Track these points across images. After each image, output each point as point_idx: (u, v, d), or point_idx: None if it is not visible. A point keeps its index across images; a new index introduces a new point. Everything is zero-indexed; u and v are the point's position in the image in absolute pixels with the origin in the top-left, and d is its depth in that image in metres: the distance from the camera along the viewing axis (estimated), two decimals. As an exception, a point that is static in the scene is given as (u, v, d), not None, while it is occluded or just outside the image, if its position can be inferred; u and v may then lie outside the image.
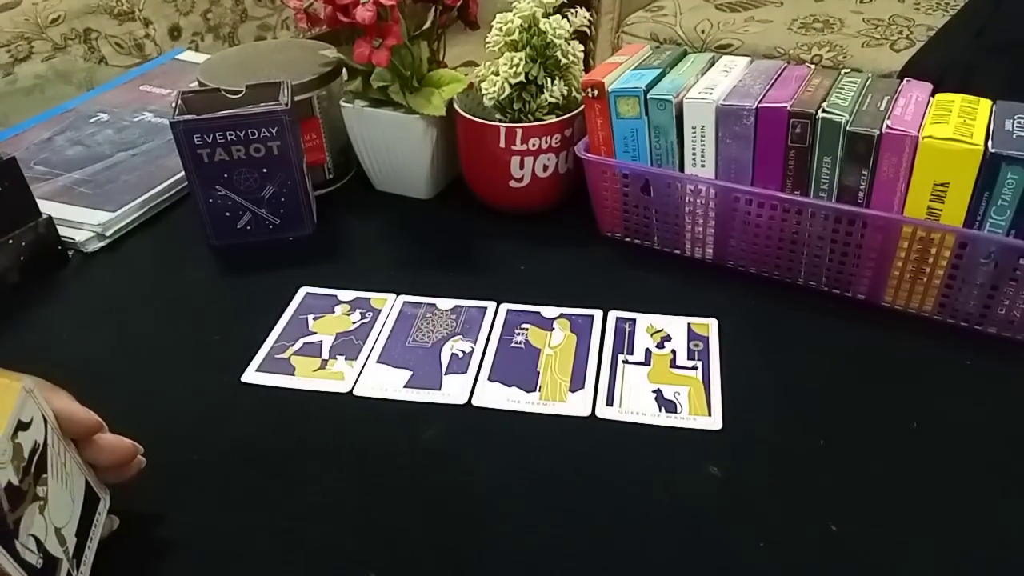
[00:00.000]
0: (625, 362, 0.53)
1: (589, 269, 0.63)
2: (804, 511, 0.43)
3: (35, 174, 0.73)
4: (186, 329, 0.58)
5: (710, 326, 0.55)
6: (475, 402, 0.50)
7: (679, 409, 0.49)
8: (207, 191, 0.64)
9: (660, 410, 0.49)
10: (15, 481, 0.33)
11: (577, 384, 0.51)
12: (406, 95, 0.65)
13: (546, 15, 0.61)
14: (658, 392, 0.50)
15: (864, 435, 0.47)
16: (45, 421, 0.36)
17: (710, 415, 0.49)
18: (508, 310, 0.58)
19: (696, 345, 0.54)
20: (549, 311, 0.58)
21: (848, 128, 0.51)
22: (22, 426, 0.34)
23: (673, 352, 0.54)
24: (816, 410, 0.49)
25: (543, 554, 0.41)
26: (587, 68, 0.63)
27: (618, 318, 0.57)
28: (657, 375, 0.52)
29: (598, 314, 0.57)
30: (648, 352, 0.54)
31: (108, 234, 0.67)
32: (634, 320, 0.56)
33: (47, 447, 0.36)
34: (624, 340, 0.55)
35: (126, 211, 0.69)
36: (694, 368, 0.52)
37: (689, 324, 0.56)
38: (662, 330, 0.55)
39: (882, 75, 0.60)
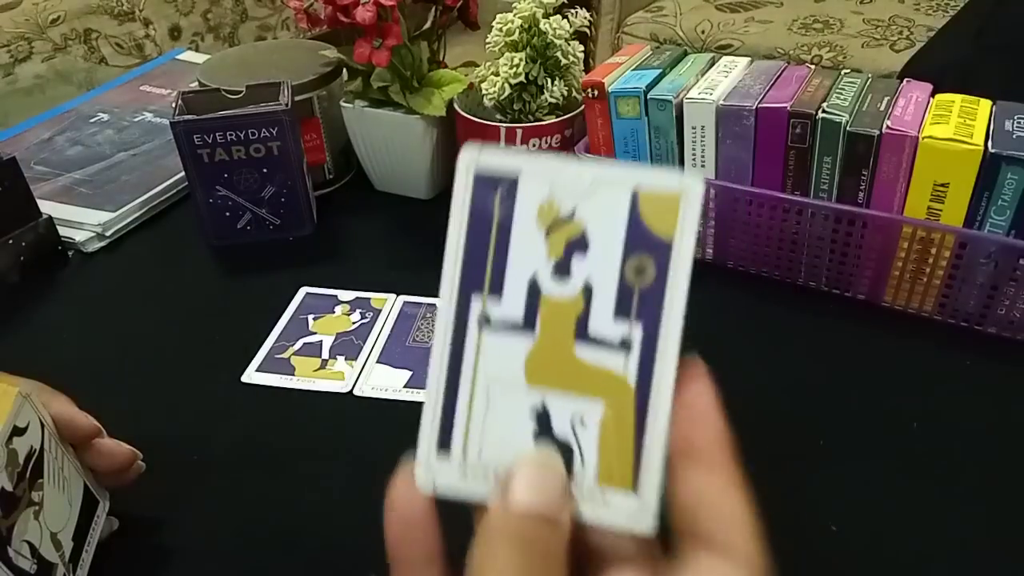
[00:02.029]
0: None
1: (589, 269, 0.63)
2: (804, 511, 0.43)
3: (35, 174, 0.73)
4: (186, 329, 0.58)
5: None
6: (475, 402, 0.50)
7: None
8: (207, 191, 0.64)
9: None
10: (8, 487, 0.33)
11: (577, 384, 0.51)
12: (406, 95, 0.65)
13: (546, 15, 0.61)
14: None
15: (864, 435, 0.47)
16: (42, 426, 0.36)
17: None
18: (508, 310, 0.58)
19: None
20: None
21: (848, 128, 0.51)
22: (17, 432, 0.34)
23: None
24: (816, 410, 0.49)
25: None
26: (587, 68, 0.63)
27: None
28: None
29: (598, 314, 0.57)
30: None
31: (108, 234, 0.67)
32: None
33: (44, 452, 0.36)
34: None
35: (126, 211, 0.69)
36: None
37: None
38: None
39: (882, 75, 0.60)
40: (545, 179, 0.23)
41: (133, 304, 0.62)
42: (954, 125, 0.49)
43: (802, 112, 0.52)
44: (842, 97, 0.53)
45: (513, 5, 0.62)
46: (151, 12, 1.82)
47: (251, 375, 0.53)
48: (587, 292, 0.23)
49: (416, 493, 0.24)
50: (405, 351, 0.55)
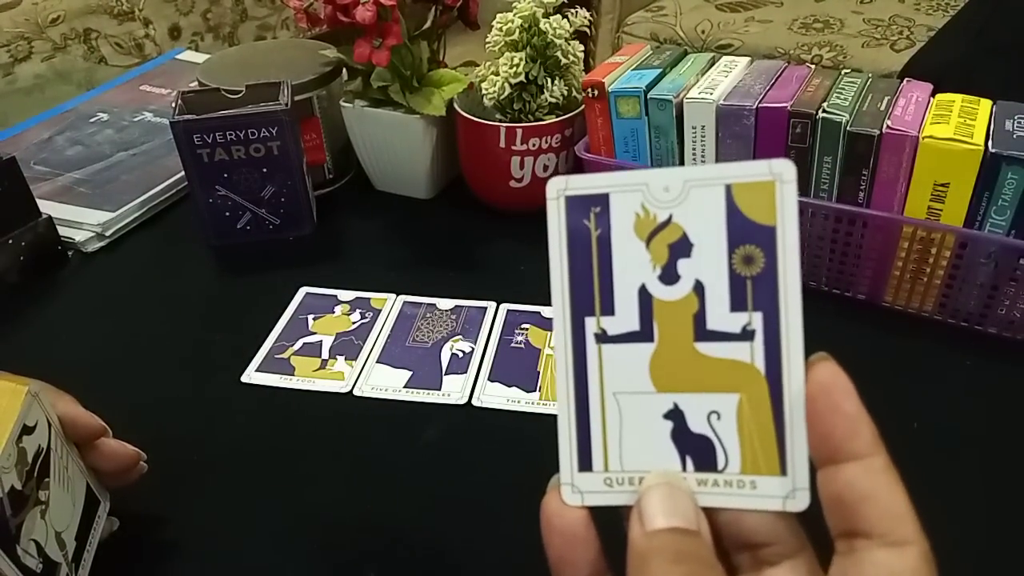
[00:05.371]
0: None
1: (589, 269, 0.63)
2: (804, 511, 0.43)
3: (35, 174, 0.73)
4: (186, 329, 0.58)
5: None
6: (475, 402, 0.50)
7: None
8: (207, 191, 0.64)
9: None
10: (18, 486, 0.33)
11: (577, 384, 0.51)
12: (406, 95, 0.65)
13: (546, 15, 0.61)
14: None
15: (864, 435, 0.47)
16: (49, 425, 0.36)
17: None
18: (508, 310, 0.58)
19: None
20: (549, 311, 0.58)
21: (848, 128, 0.51)
22: (27, 430, 0.34)
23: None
24: (816, 410, 0.49)
25: (543, 554, 0.41)
26: (587, 68, 0.63)
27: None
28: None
29: (598, 314, 0.57)
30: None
31: (108, 234, 0.67)
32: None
33: (50, 451, 0.36)
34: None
35: (126, 211, 0.69)
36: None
37: None
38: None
39: (882, 75, 0.60)
40: (635, 191, 0.24)
41: (133, 304, 0.62)
42: (954, 125, 0.49)
43: (802, 112, 0.52)
44: (842, 97, 0.53)
45: (513, 5, 0.62)
46: (151, 12, 1.81)
47: (251, 375, 0.53)
48: (699, 290, 0.23)
49: (570, 508, 0.24)
50: (405, 351, 0.55)
